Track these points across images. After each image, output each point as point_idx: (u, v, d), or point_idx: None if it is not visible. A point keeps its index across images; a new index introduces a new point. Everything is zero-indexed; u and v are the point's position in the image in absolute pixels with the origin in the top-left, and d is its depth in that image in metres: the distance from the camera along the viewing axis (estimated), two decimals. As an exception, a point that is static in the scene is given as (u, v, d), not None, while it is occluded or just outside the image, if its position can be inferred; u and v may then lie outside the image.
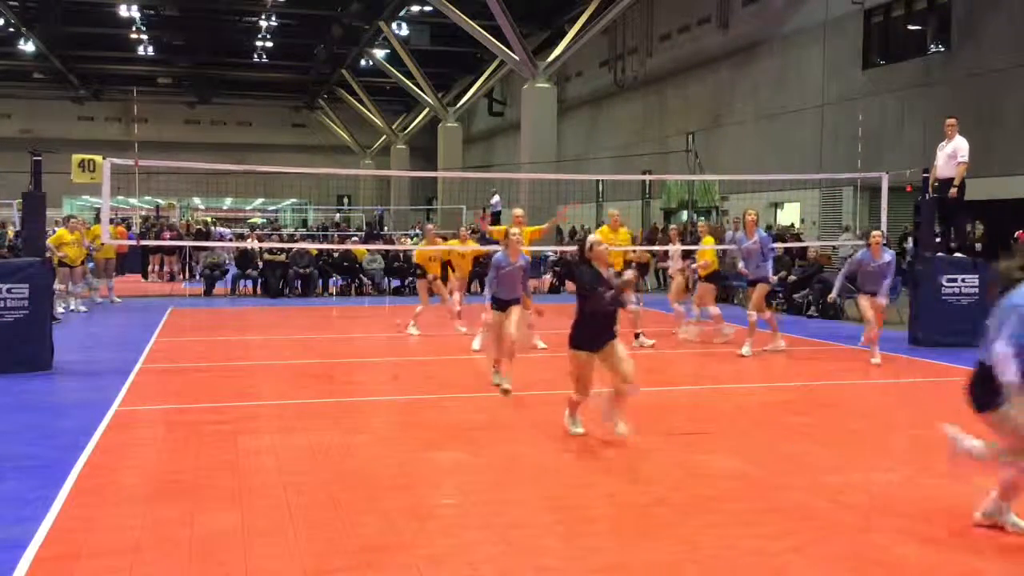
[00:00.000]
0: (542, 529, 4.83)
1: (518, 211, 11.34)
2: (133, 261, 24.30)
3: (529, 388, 9.07)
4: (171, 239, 23.83)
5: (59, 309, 14.32)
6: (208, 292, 19.46)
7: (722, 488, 5.60)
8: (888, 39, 23.36)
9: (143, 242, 21.65)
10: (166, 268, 24.14)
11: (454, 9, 31.09)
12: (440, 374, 9.92)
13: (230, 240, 26.66)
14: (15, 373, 9.19)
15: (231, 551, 4.47)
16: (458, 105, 44.29)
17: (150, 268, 24.16)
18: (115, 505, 5.19)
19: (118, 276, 19.70)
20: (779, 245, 18.77)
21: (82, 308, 16.07)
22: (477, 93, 43.24)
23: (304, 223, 51.35)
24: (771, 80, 26.91)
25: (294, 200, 55.06)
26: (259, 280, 19.72)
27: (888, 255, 10.57)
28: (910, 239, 16.32)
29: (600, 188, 35.09)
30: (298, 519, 4.93)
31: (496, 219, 25.02)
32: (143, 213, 31.58)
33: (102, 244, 16.38)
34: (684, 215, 28.19)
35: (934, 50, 21.59)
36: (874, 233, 10.78)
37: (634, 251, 12.99)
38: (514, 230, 9.11)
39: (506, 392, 8.08)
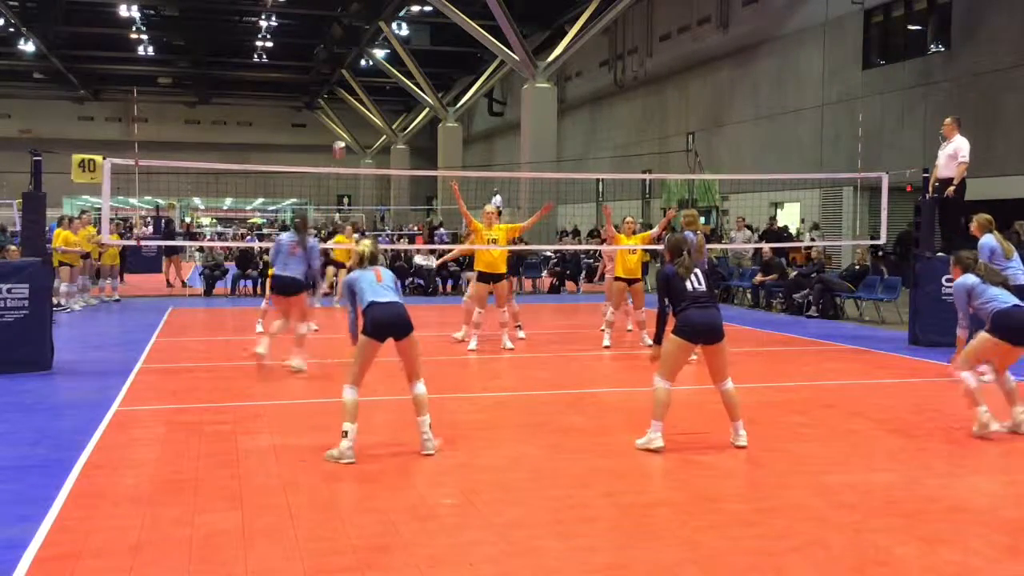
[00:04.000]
0: (542, 529, 4.83)
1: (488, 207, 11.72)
2: (135, 262, 24.25)
3: (529, 388, 9.08)
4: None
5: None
6: (208, 292, 19.46)
7: (722, 488, 5.60)
8: (888, 39, 23.36)
9: (144, 242, 21.62)
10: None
11: (454, 9, 31.09)
12: (439, 374, 9.92)
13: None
14: (15, 373, 9.19)
15: (231, 551, 4.47)
16: (458, 105, 44.29)
17: (171, 276, 21.66)
18: (115, 505, 5.19)
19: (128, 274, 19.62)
20: (774, 245, 18.79)
21: (75, 307, 16.07)
22: (477, 93, 43.25)
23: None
24: (771, 80, 26.91)
25: (294, 200, 55.07)
26: (259, 280, 19.72)
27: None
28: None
29: (600, 188, 35.10)
30: (298, 519, 4.93)
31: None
32: (163, 215, 31.34)
33: (102, 245, 16.43)
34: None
35: (934, 50, 21.59)
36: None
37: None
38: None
39: None
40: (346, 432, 6.12)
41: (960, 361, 7.12)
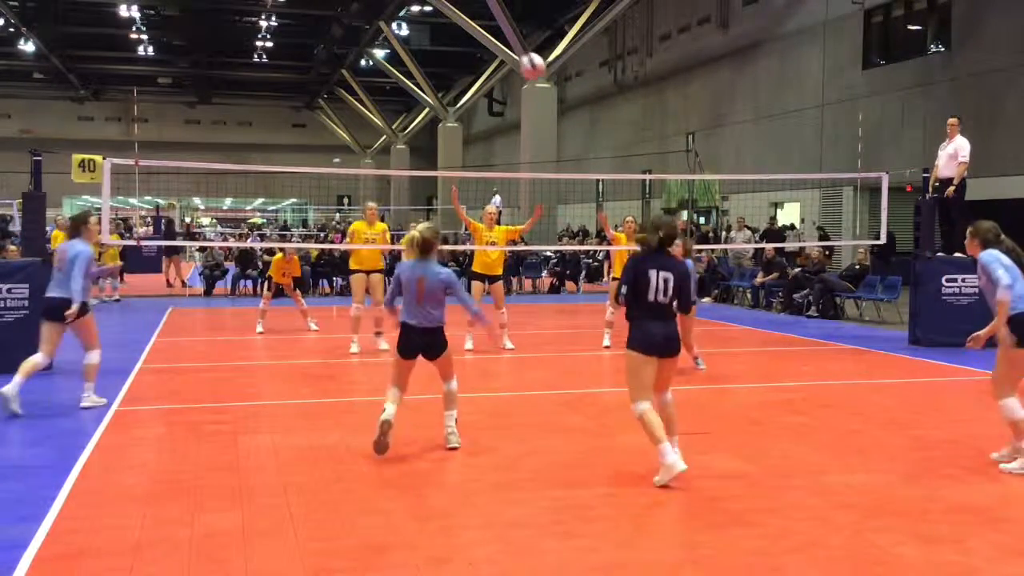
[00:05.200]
0: (542, 529, 4.83)
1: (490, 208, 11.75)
2: (135, 262, 24.24)
3: (529, 388, 9.08)
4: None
5: None
6: (208, 292, 19.47)
7: (722, 488, 5.60)
8: (888, 39, 23.36)
9: (144, 242, 21.61)
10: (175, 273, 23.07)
11: (454, 9, 31.08)
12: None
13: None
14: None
15: (231, 551, 4.47)
16: (458, 105, 44.27)
17: (171, 276, 21.61)
18: (115, 505, 5.19)
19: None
20: (774, 245, 18.79)
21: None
22: (477, 93, 43.24)
23: (304, 223, 51.38)
24: (771, 80, 26.91)
25: (294, 200, 55.10)
26: (259, 280, 19.71)
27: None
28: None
29: (600, 188, 35.10)
30: (298, 519, 4.93)
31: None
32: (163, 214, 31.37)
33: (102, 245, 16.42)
34: (684, 215, 28.22)
35: (934, 50, 21.59)
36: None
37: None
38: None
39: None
40: (385, 409, 6.30)
41: (999, 390, 6.03)
